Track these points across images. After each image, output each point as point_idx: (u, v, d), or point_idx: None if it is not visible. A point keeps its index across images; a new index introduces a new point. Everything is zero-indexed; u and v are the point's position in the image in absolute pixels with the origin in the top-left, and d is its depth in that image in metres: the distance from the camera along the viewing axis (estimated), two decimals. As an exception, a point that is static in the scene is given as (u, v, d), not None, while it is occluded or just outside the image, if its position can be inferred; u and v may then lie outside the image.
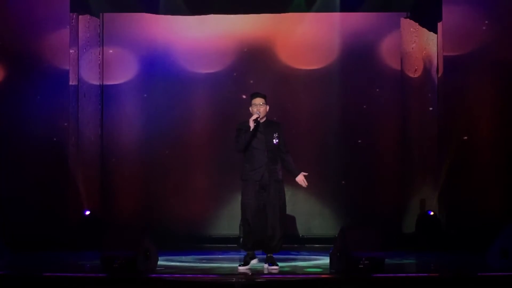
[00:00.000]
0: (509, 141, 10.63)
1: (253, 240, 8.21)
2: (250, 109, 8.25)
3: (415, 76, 11.77)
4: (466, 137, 10.71)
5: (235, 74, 12.05)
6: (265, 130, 8.21)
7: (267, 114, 8.30)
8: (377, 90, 11.97)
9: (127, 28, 12.09)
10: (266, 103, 8.26)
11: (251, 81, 11.83)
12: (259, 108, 8.18)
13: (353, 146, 11.93)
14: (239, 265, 8.20)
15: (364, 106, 11.97)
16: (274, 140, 8.21)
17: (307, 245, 11.58)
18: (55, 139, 11.03)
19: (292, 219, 11.72)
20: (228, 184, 11.34)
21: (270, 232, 8.15)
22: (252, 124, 8.08)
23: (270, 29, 12.07)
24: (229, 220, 11.52)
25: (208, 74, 12.05)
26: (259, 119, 8.14)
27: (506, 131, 10.67)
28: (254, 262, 8.24)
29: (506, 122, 10.70)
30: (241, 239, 8.38)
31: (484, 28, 10.75)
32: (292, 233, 11.58)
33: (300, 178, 8.36)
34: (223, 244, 11.35)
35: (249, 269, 8.09)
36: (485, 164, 10.68)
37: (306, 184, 8.37)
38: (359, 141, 11.92)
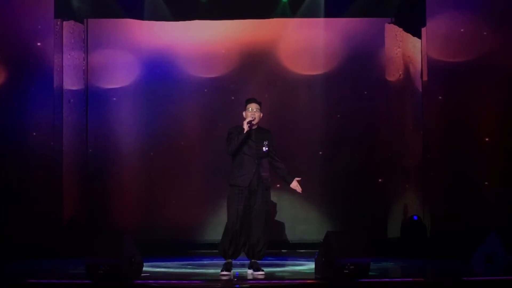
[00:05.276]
0: (495, 146, 10.65)
1: (234, 249, 8.20)
2: (244, 113, 8.22)
3: (399, 81, 11.80)
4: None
5: (221, 79, 12.05)
6: (256, 137, 8.21)
7: (259, 122, 8.31)
8: (362, 94, 12.00)
9: (111, 34, 12.08)
10: (261, 110, 8.27)
11: (237, 86, 11.86)
12: (254, 114, 8.17)
13: (337, 151, 11.94)
14: (221, 271, 8.15)
15: (348, 112, 11.99)
16: (264, 148, 8.21)
17: (292, 250, 11.59)
18: (39, 145, 10.94)
19: (277, 224, 11.73)
20: (216, 190, 11.31)
21: (255, 239, 8.14)
22: (246, 127, 8.08)
23: (254, 34, 12.08)
24: (216, 226, 11.46)
25: (194, 78, 12.05)
26: (253, 122, 8.15)
27: (493, 136, 10.70)
28: (231, 272, 8.17)
29: (492, 127, 10.72)
30: (221, 246, 8.25)
31: (468, 33, 10.78)
32: (277, 238, 11.59)
33: (295, 184, 8.40)
34: (209, 250, 11.32)
35: (231, 275, 8.06)
36: (470, 169, 10.70)
37: (301, 190, 8.40)
38: (344, 146, 11.94)
